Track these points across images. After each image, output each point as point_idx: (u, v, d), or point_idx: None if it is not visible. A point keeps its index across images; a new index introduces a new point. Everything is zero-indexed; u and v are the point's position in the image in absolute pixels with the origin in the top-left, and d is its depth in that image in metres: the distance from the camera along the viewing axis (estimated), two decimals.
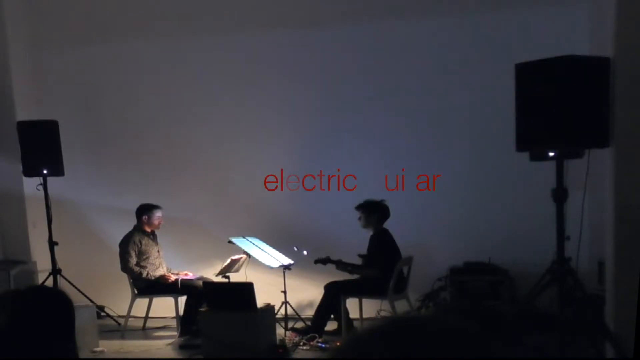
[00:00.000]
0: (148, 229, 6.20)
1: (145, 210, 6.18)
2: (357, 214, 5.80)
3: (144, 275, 6.04)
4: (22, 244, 6.66)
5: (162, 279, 6.08)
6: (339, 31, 6.34)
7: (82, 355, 3.41)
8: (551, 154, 4.12)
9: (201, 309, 5.45)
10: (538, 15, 5.85)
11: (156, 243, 6.27)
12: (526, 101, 4.00)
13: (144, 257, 6.12)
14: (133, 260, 6.05)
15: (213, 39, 6.54)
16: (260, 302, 5.27)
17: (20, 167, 6.18)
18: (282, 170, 6.54)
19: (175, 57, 6.66)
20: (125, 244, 6.10)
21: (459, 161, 6.21)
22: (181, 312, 5.99)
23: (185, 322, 5.89)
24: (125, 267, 6.06)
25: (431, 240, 6.22)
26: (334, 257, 5.81)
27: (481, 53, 6.01)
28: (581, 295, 4.19)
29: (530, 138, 4.03)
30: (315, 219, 6.44)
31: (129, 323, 6.16)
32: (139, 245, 6.11)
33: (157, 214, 6.19)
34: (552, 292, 4.16)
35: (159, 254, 6.25)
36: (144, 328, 6.33)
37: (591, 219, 5.02)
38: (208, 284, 5.79)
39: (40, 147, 6.10)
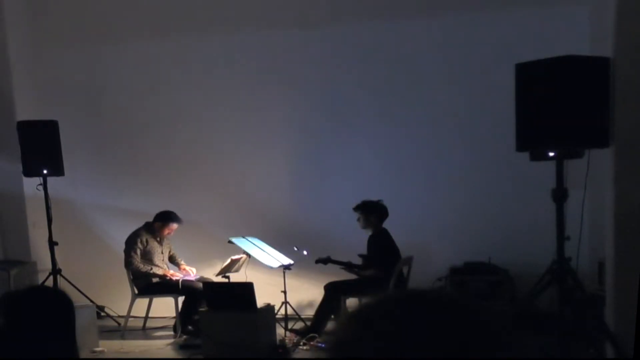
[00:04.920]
0: (156, 233, 6.21)
1: (163, 219, 6.17)
2: (356, 214, 5.81)
3: (149, 270, 6.03)
4: (22, 244, 6.65)
5: (164, 277, 6.08)
6: (339, 31, 6.33)
7: (82, 355, 3.41)
8: (551, 154, 4.12)
9: (201, 309, 5.45)
10: (538, 15, 5.85)
11: (160, 245, 6.27)
12: (526, 101, 4.00)
13: (147, 257, 6.12)
14: (137, 257, 6.06)
15: (213, 39, 6.53)
16: (260, 302, 5.27)
17: (20, 167, 6.18)
18: (282, 170, 6.54)
19: (175, 57, 6.66)
20: (132, 241, 6.11)
21: (458, 161, 6.21)
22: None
23: (185, 322, 5.89)
24: (129, 264, 6.06)
25: (431, 240, 6.22)
26: (335, 257, 5.81)
27: (481, 53, 6.01)
28: (581, 295, 4.19)
29: (530, 138, 4.03)
30: (315, 219, 6.44)
31: (129, 323, 6.16)
32: (145, 245, 6.12)
33: (172, 226, 6.19)
34: (552, 292, 4.16)
35: (162, 255, 6.25)
36: (144, 328, 6.33)
37: (591, 219, 5.01)
38: (208, 284, 5.79)
39: (40, 147, 6.10)
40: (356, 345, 0.75)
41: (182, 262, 6.36)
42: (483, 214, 6.11)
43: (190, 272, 6.25)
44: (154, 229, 6.20)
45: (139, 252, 6.08)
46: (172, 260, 6.38)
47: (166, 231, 6.20)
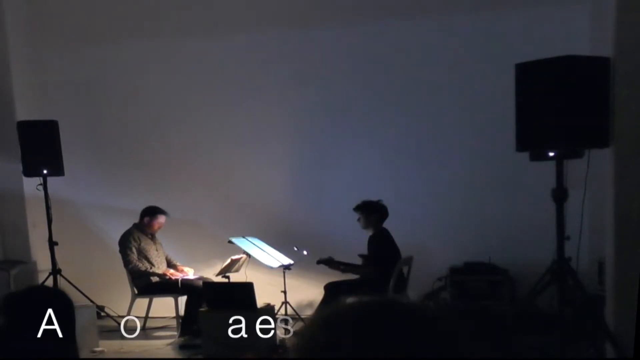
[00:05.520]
0: (147, 230, 6.22)
1: (149, 213, 6.21)
2: (357, 214, 5.80)
3: (148, 269, 6.04)
4: (22, 244, 6.66)
5: (164, 276, 6.09)
6: (338, 31, 6.33)
7: (82, 355, 3.41)
8: (551, 154, 4.12)
9: (201, 309, 5.45)
10: (538, 15, 5.85)
11: (154, 242, 6.28)
12: (526, 101, 4.00)
13: (143, 255, 6.13)
14: (134, 255, 6.07)
15: (213, 39, 6.53)
16: (260, 302, 5.27)
17: (20, 167, 6.18)
18: (282, 170, 6.54)
19: (175, 57, 6.66)
20: (125, 241, 6.12)
21: (459, 161, 6.21)
22: (181, 312, 5.99)
23: (185, 322, 5.89)
24: (128, 263, 6.06)
25: (431, 240, 6.22)
26: (335, 258, 5.81)
27: (481, 53, 6.01)
28: (581, 295, 4.19)
29: (530, 138, 4.03)
30: (315, 219, 6.44)
31: (129, 323, 6.16)
32: (139, 242, 6.14)
33: (160, 219, 6.22)
34: (552, 292, 4.16)
35: (157, 253, 6.26)
36: (144, 328, 6.33)
37: (591, 219, 5.01)
38: (208, 284, 5.79)
39: (40, 147, 6.10)
40: (331, 348, 0.78)
41: (178, 264, 6.37)
42: (483, 214, 6.11)
43: (187, 273, 6.25)
44: (143, 226, 6.22)
45: (134, 249, 6.10)
46: (168, 263, 6.38)
47: (156, 225, 6.22)
